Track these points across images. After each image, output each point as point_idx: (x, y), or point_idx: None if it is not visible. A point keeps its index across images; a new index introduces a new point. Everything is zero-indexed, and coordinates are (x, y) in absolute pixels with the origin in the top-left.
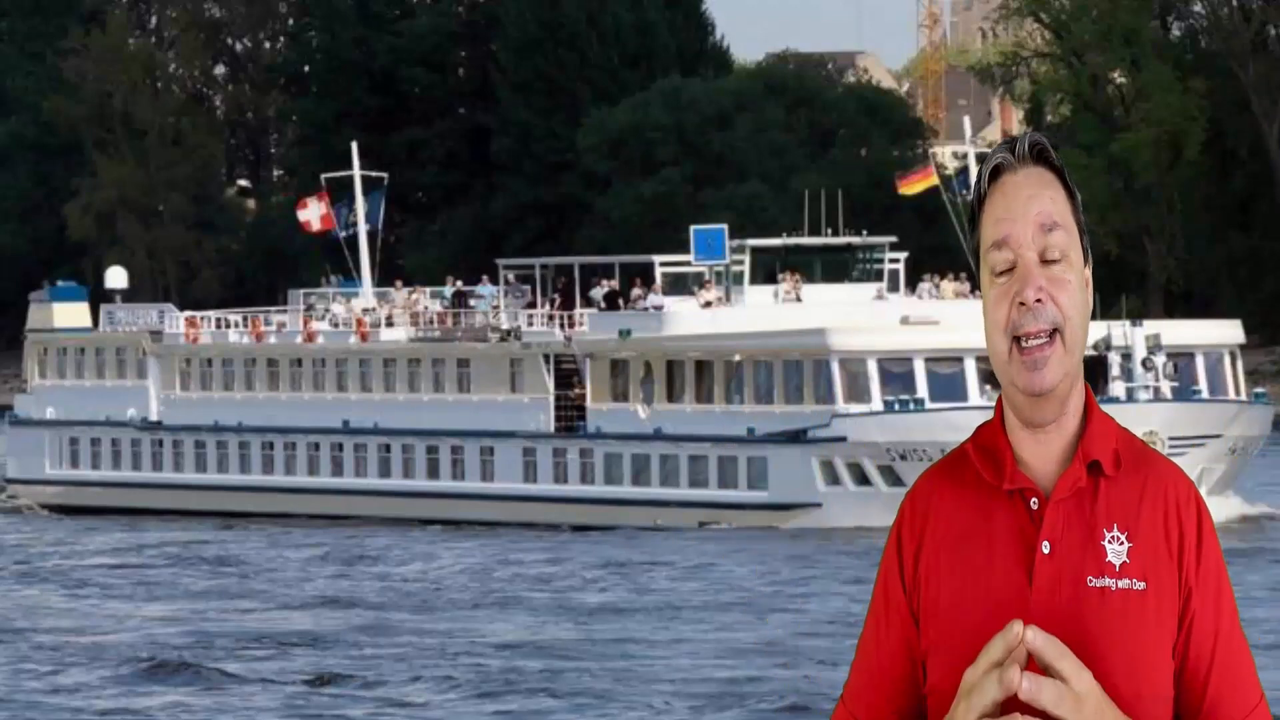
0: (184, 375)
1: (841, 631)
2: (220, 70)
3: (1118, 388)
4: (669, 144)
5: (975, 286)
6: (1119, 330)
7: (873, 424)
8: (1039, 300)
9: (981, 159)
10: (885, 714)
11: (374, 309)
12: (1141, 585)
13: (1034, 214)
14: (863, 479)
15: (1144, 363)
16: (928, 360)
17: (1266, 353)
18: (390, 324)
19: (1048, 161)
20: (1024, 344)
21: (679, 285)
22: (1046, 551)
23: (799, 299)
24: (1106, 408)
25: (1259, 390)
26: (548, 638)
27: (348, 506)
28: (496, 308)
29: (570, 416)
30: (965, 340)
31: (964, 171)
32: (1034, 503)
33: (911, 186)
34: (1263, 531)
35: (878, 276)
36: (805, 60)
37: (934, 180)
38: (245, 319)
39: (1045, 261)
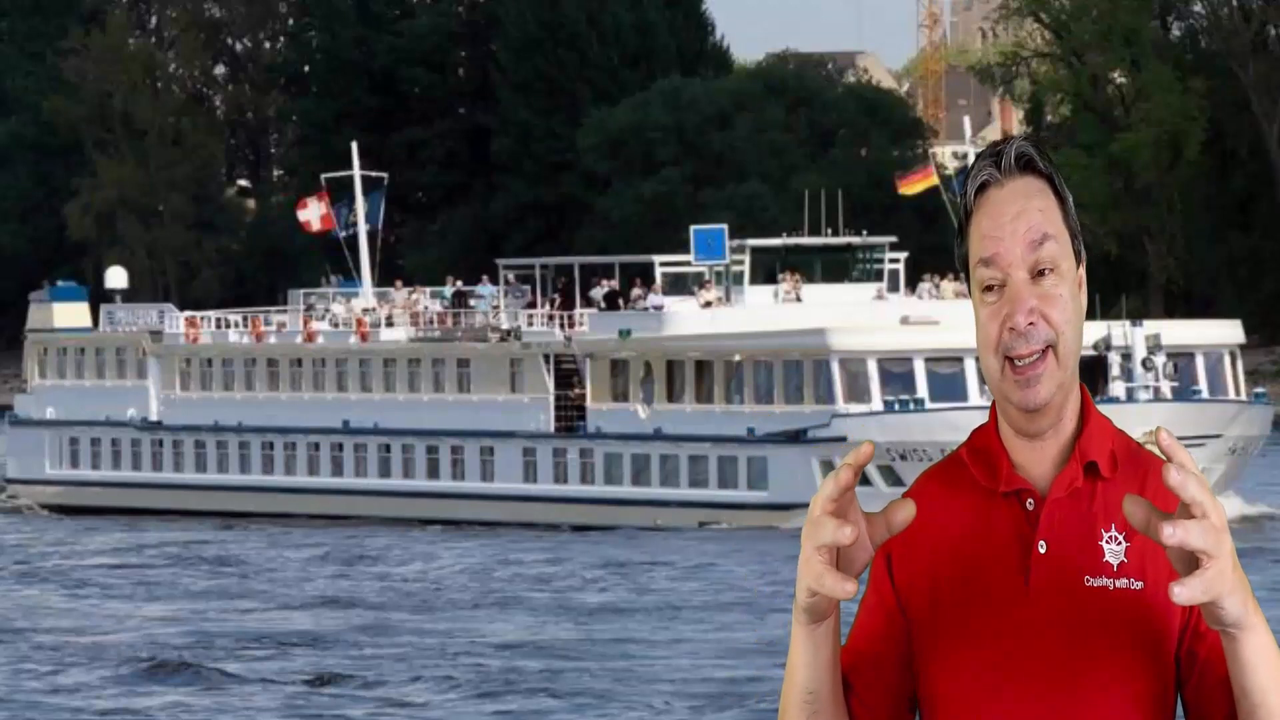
0: (184, 375)
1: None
2: (220, 70)
3: (1118, 388)
4: (669, 144)
5: None
6: (1119, 330)
7: (873, 424)
8: (1031, 324)
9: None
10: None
11: (374, 309)
12: (1139, 585)
13: (1022, 232)
14: (863, 479)
15: (1144, 363)
16: (928, 360)
17: (1266, 353)
18: (390, 324)
19: (1035, 169)
20: (1016, 363)
21: (679, 285)
22: (1043, 551)
23: (799, 299)
24: (1106, 408)
25: (1259, 390)
26: (548, 638)
27: (348, 506)
28: (496, 308)
29: (570, 416)
30: (965, 340)
31: (963, 171)
32: (1030, 503)
33: (911, 186)
34: (1262, 531)
35: (878, 276)
36: (805, 60)
37: (934, 180)
38: (245, 319)
39: (1036, 274)
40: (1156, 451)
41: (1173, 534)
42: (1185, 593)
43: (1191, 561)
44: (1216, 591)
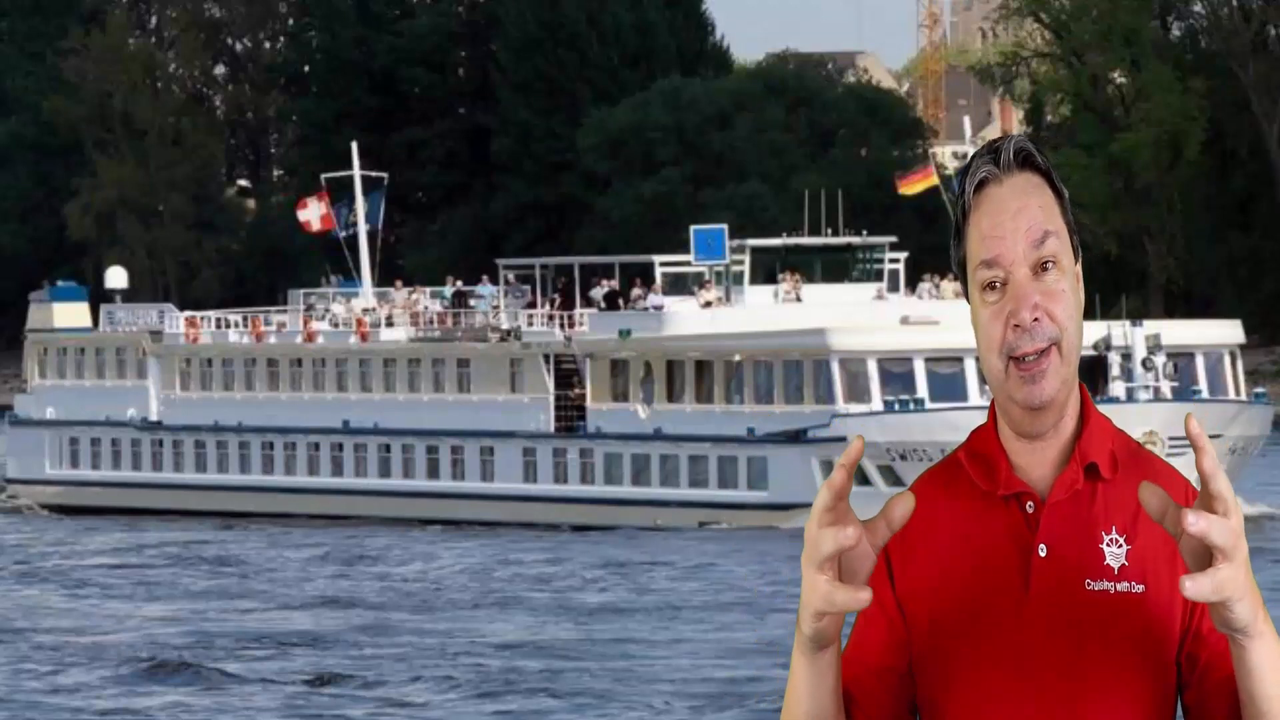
0: (184, 375)
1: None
2: (220, 70)
3: (1118, 388)
4: (669, 144)
5: None
6: (1119, 330)
7: (873, 424)
8: (1035, 320)
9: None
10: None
11: (374, 309)
12: (1140, 588)
13: (1024, 229)
14: (863, 479)
15: (1144, 363)
16: (928, 360)
17: (1266, 353)
18: (390, 324)
19: (1034, 165)
20: (1021, 361)
21: (679, 285)
22: (1043, 555)
23: (799, 299)
24: (1106, 408)
25: (1259, 390)
26: (548, 638)
27: (348, 506)
28: (496, 308)
29: (570, 416)
30: (965, 340)
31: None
32: (1030, 506)
33: (911, 186)
34: (1262, 531)
35: (878, 276)
36: (805, 60)
37: (934, 180)
38: (245, 319)
39: (1039, 269)
40: (1157, 451)
41: (1195, 523)
42: (1195, 587)
43: (1205, 559)
44: (1228, 593)
